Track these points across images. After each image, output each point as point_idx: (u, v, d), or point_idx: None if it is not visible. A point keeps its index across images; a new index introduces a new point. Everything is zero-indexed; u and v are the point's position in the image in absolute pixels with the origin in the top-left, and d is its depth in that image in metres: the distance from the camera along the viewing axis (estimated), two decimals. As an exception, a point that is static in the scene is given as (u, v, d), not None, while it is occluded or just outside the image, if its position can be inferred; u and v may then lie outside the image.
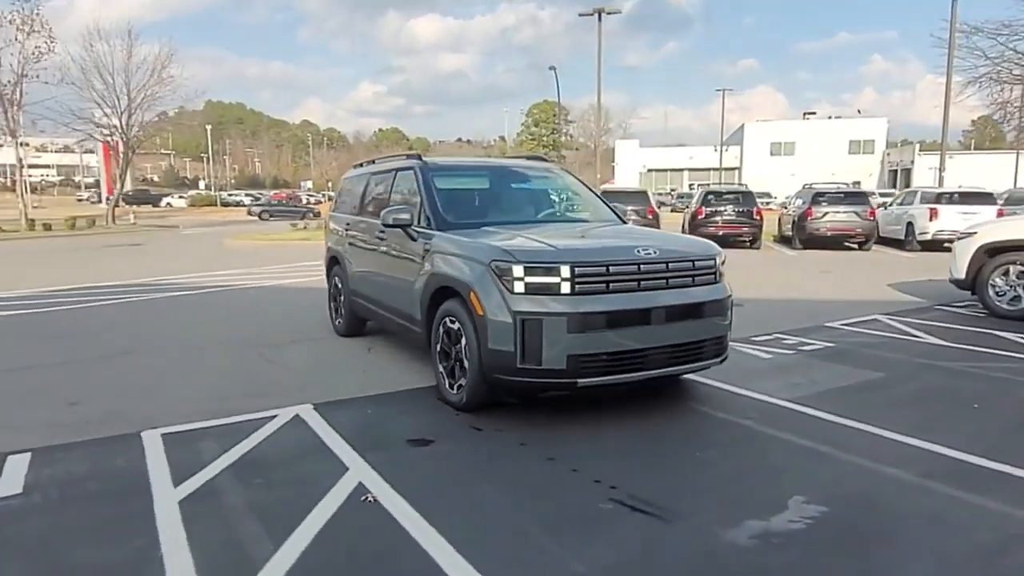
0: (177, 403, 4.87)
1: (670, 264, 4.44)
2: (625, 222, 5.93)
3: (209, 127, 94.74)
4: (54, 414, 4.65)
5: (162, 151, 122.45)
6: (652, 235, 5.31)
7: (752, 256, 16.88)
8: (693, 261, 4.57)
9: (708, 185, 24.79)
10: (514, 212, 5.65)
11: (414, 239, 5.28)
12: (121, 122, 30.54)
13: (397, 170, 6.12)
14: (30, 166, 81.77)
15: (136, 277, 12.69)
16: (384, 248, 5.89)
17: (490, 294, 4.24)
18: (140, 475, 3.57)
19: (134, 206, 57.77)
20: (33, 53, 26.48)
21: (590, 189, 6.31)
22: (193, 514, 3.14)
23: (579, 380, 4.16)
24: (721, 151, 57.07)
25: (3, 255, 18.47)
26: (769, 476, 3.63)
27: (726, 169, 61.23)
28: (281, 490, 3.42)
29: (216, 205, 56.55)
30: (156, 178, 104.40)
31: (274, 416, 4.52)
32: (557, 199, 6.07)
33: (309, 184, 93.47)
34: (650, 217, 19.50)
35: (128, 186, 64.62)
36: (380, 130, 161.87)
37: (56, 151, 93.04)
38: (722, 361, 4.75)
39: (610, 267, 4.25)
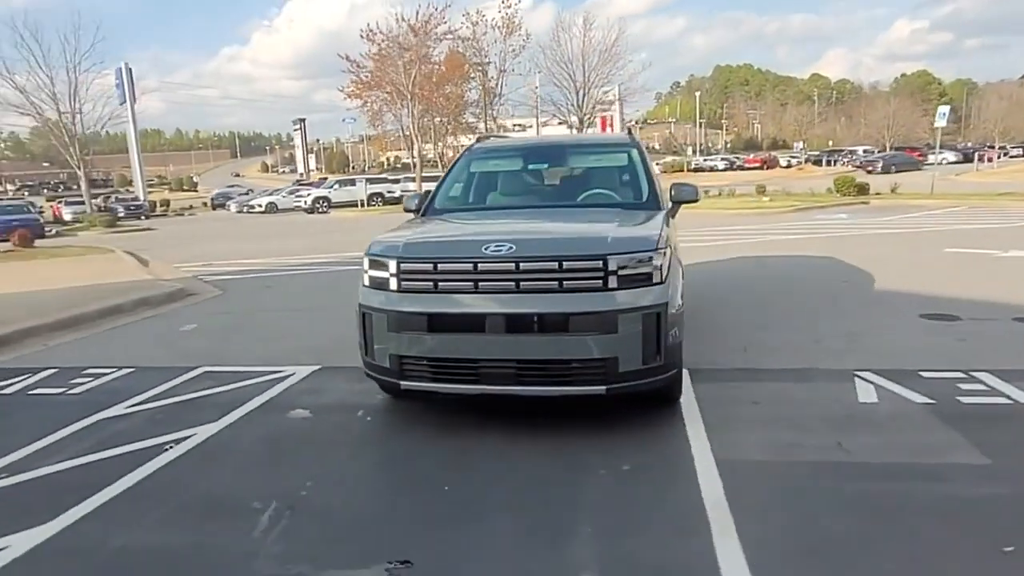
0: (270, 351, 6.31)
1: (522, 264, 3.72)
2: (661, 207, 4.85)
3: (699, 93, 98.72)
4: (204, 346, 6.64)
5: (669, 119, 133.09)
6: (560, 223, 4.48)
7: None
8: (560, 262, 3.69)
9: None
10: (518, 197, 5.27)
11: (416, 225, 5.52)
12: (577, 100, 35.07)
13: None
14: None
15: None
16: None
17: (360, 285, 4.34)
18: (122, 396, 5.05)
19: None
20: (512, 50, 32.61)
21: (645, 169, 5.23)
22: (79, 427, 4.43)
23: (402, 383, 3.98)
24: None
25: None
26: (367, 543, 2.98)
27: None
28: (150, 425, 4.42)
29: (683, 171, 59.20)
30: (657, 146, 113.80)
31: (281, 371, 5.53)
32: (585, 182, 5.33)
33: (800, 144, 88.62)
34: None
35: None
36: (903, 75, 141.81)
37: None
38: (608, 391, 3.70)
39: (438, 264, 3.86)
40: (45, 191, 69.59)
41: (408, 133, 45.90)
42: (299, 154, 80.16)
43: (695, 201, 5.19)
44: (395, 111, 42.75)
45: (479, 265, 3.78)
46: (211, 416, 4.53)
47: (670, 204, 5.09)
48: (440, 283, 3.85)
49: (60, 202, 39.06)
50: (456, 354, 3.81)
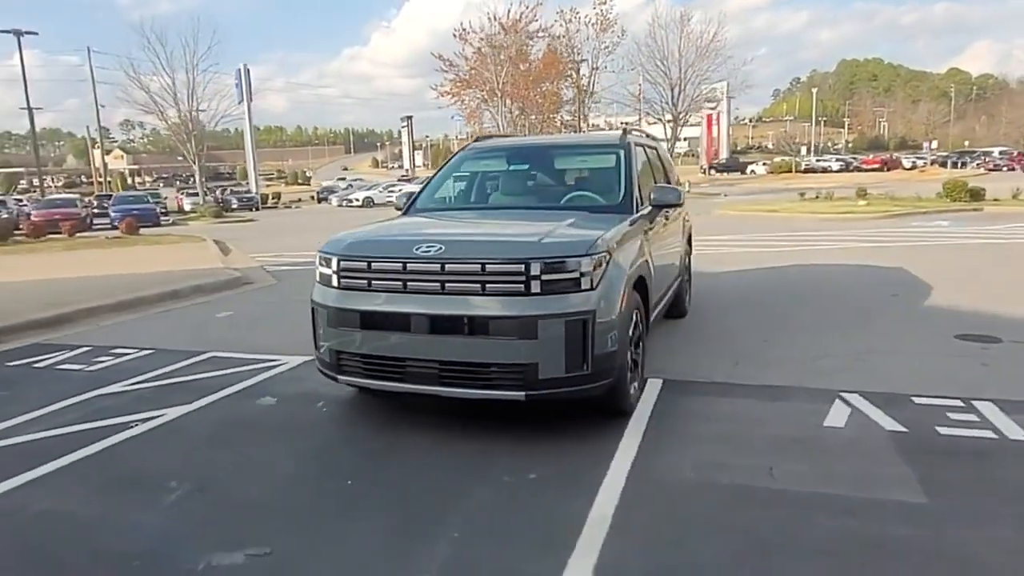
0: (281, 339, 6.62)
1: (447, 266, 3.73)
2: (634, 211, 4.70)
3: (815, 90, 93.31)
4: (226, 333, 7.08)
5: (786, 117, 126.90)
6: (492, 226, 4.61)
7: None
8: (483, 264, 3.68)
9: None
10: (496, 198, 5.28)
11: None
12: (672, 98, 34.21)
13: None
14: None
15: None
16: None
17: None
18: (127, 375, 5.49)
19: (724, 173, 62.93)
20: (605, 47, 32.29)
21: (626, 171, 5.02)
22: (74, 402, 4.86)
23: (339, 377, 4.11)
24: None
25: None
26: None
27: None
28: (133, 404, 4.78)
29: (791, 171, 56.27)
30: (770, 145, 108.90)
31: (276, 359, 5.82)
32: (567, 184, 5.28)
33: (931, 144, 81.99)
34: None
35: (724, 154, 70.57)
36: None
37: (690, 124, 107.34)
38: (528, 398, 3.65)
39: (372, 263, 3.94)
40: (177, 183, 75.78)
41: (502, 132, 46.55)
42: (406, 151, 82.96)
43: (678, 205, 5.01)
44: (492, 109, 43.54)
45: (408, 265, 3.84)
46: (189, 398, 4.84)
47: (649, 208, 4.92)
48: (373, 281, 3.94)
49: (182, 193, 42.50)
50: (384, 352, 3.89)
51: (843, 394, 4.52)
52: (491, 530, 2.98)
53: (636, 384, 4.37)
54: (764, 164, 65.33)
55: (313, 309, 4.25)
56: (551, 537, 2.89)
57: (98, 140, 50.60)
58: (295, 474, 3.67)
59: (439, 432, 4.07)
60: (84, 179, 78.29)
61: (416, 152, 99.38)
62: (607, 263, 3.84)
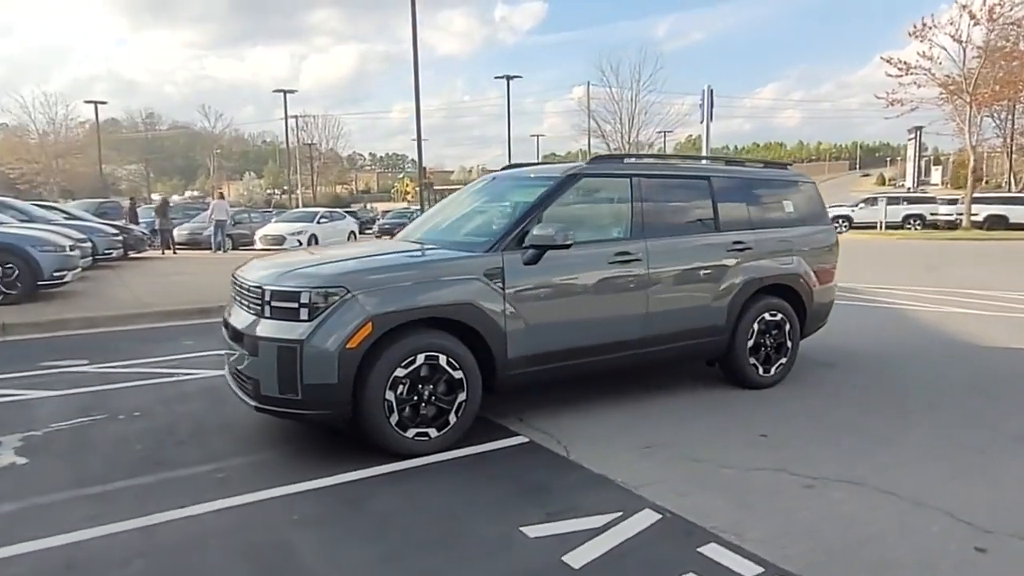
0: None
1: (251, 288, 4.42)
2: (495, 251, 4.51)
3: None
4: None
5: None
6: (332, 256, 4.92)
7: None
8: (249, 288, 4.35)
9: None
10: (436, 232, 5.48)
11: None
12: None
13: None
14: None
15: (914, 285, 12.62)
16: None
17: None
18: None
19: None
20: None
21: (525, 210, 4.67)
22: (178, 357, 7.03)
23: (229, 369, 5.22)
24: None
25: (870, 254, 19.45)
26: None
27: None
28: (203, 365, 6.69)
29: None
30: None
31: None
32: (500, 218, 5.24)
33: None
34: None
35: None
36: None
37: None
38: (257, 409, 4.21)
39: (233, 280, 4.90)
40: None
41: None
42: (909, 166, 73.33)
43: (563, 247, 4.51)
44: (999, 119, 36.33)
45: (235, 282, 4.75)
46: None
47: (530, 249, 4.59)
48: (233, 295, 4.94)
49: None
50: (227, 351, 4.86)
51: (650, 509, 3.56)
52: (98, 498, 3.73)
53: (435, 430, 4.29)
54: None
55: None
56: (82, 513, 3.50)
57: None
58: (147, 432, 4.82)
59: (287, 429, 4.78)
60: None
61: (935, 168, 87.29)
62: (342, 298, 4.03)
